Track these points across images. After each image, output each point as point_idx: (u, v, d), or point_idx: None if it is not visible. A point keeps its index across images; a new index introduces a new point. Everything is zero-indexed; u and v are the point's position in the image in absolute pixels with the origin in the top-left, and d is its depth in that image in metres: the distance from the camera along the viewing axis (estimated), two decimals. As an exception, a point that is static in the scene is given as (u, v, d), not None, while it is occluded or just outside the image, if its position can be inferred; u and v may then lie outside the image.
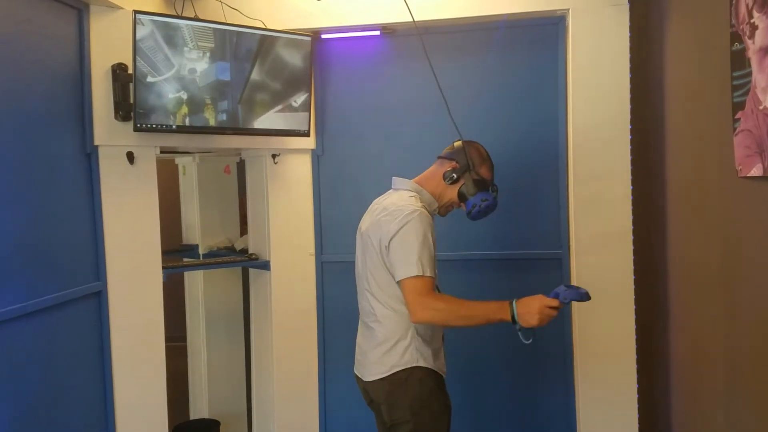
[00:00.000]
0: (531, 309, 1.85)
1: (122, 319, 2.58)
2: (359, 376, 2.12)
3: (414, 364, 1.97)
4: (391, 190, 2.19)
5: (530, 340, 1.86)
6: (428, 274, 1.89)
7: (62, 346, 2.32)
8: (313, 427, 3.21)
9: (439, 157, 2.21)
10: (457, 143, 2.20)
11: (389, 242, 1.93)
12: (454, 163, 2.14)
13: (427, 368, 1.98)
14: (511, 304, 1.87)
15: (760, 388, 1.93)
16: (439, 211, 2.20)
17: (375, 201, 2.20)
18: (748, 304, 2.00)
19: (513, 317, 1.86)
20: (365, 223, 2.13)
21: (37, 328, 2.17)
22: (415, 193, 2.09)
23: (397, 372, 1.97)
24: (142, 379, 2.66)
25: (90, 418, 2.48)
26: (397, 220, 1.93)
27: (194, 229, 3.64)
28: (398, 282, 1.93)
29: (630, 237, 2.80)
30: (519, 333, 1.85)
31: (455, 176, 2.12)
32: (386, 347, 1.99)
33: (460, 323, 1.92)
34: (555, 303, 1.85)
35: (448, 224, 3.03)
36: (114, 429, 2.56)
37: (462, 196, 2.14)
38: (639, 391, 2.85)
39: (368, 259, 2.04)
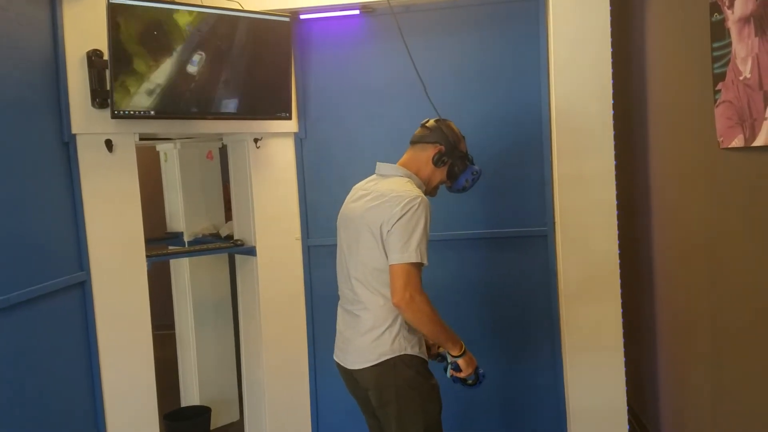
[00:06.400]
0: (473, 361, 2.09)
1: (107, 308, 2.56)
2: (341, 363, 2.12)
3: (402, 352, 1.99)
4: (375, 176, 2.16)
5: (448, 376, 2.13)
6: (424, 261, 1.92)
7: (48, 337, 2.30)
8: (305, 411, 3.22)
9: (415, 142, 2.19)
10: (430, 123, 2.20)
11: (392, 227, 1.92)
12: (438, 146, 2.14)
13: (412, 354, 2.00)
14: (464, 348, 2.07)
15: (743, 356, 1.95)
16: (430, 193, 2.20)
17: (358, 186, 2.18)
18: (731, 274, 2.01)
19: (458, 356, 2.06)
20: (355, 209, 2.09)
21: (21, 319, 2.15)
22: (408, 179, 2.08)
23: (386, 360, 1.98)
24: (130, 367, 2.64)
25: (79, 408, 2.47)
26: (401, 205, 1.92)
27: (178, 217, 3.61)
28: (391, 266, 1.92)
29: (614, 211, 2.81)
30: (449, 366, 2.12)
31: (446, 159, 2.14)
32: (374, 335, 1.99)
33: (425, 330, 1.99)
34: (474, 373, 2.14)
35: (433, 205, 3.03)
36: (103, 418, 2.55)
37: (453, 175, 2.19)
38: (626, 364, 2.87)
39: (361, 246, 2.01)
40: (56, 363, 2.35)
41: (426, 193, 2.15)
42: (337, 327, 2.18)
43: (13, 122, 2.19)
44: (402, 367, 1.98)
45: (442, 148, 2.14)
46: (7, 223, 2.12)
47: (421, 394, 2.00)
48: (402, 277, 1.89)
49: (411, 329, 2.02)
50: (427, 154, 2.15)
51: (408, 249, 1.89)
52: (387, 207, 1.95)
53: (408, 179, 2.08)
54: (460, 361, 2.05)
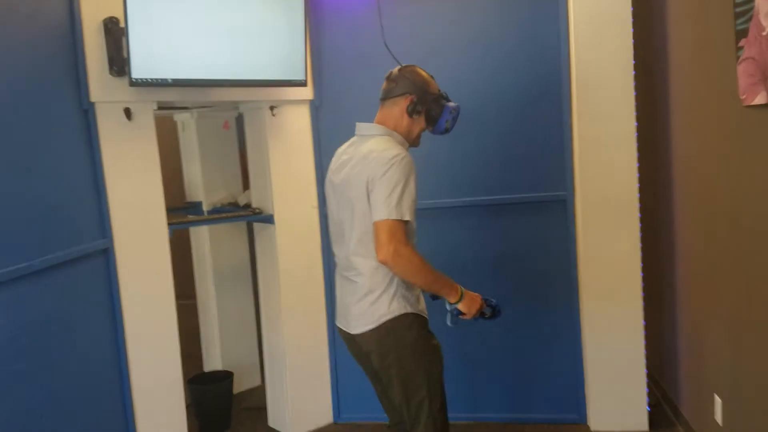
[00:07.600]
0: (474, 300, 2.05)
1: (131, 274, 2.61)
2: (343, 329, 2.14)
3: (402, 312, 2.00)
4: (356, 137, 2.15)
5: (455, 325, 2.06)
6: (407, 218, 1.90)
7: (72, 303, 2.35)
8: (324, 376, 3.27)
9: (385, 99, 2.12)
10: (394, 74, 2.12)
11: (375, 186, 1.92)
12: (410, 96, 2.08)
13: (413, 313, 2.01)
14: (461, 290, 2.02)
15: (764, 320, 1.94)
16: (413, 143, 2.17)
17: (341, 151, 2.17)
18: (754, 234, 1.99)
19: (457, 302, 2.02)
20: (339, 174, 2.08)
21: (45, 286, 2.19)
22: (389, 137, 2.06)
23: (385, 321, 1.99)
24: (155, 332, 2.70)
25: (105, 374, 2.53)
26: (381, 163, 1.92)
27: (197, 186, 3.64)
28: (374, 223, 1.92)
29: (635, 174, 2.78)
30: (449, 314, 2.05)
31: (420, 108, 2.09)
32: (372, 298, 2.00)
33: (419, 282, 1.98)
34: (484, 305, 2.08)
35: (450, 172, 3.02)
36: (129, 383, 2.61)
37: (432, 120, 2.13)
38: (646, 329, 2.87)
39: (354, 212, 2.01)
40: (82, 328, 2.40)
41: (410, 145, 2.13)
42: (336, 294, 2.20)
43: (33, 90, 2.21)
44: (402, 329, 1.99)
45: (413, 96, 2.08)
46: (29, 191, 2.15)
47: (424, 355, 2.01)
48: (384, 233, 1.88)
49: (409, 287, 2.02)
50: (399, 107, 2.09)
51: (389, 205, 1.88)
52: (369, 168, 1.94)
53: (388, 137, 2.06)
54: (460, 306, 2.03)
